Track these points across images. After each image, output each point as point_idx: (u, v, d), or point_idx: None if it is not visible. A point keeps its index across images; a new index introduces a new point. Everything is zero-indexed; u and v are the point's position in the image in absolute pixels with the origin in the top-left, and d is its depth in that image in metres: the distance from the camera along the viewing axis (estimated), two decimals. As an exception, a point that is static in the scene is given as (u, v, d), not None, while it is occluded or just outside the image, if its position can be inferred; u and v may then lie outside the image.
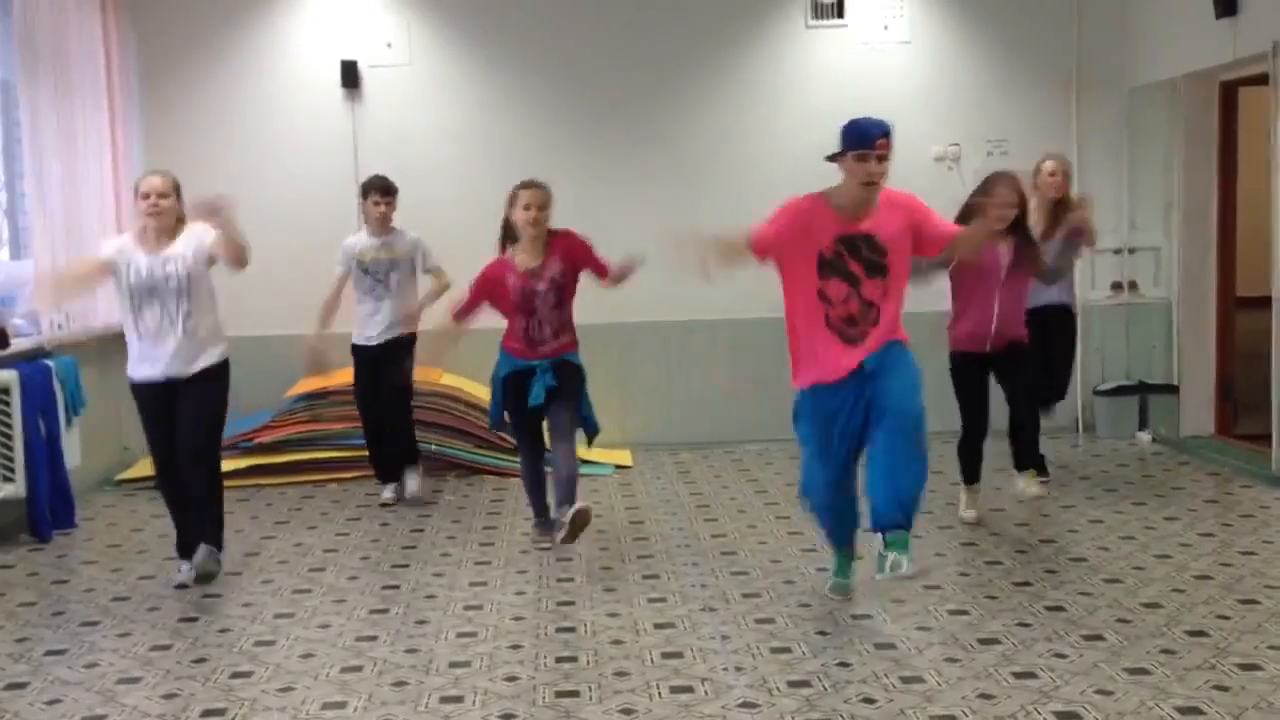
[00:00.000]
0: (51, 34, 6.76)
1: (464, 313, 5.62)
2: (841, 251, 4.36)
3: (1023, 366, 5.78)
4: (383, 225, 6.63)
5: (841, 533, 4.79)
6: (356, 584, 5.24)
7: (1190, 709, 3.66)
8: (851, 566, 4.83)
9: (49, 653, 4.46)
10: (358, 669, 4.20)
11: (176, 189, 5.15)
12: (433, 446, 7.28)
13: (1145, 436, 7.99)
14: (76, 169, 7.00)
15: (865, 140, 4.29)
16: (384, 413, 6.65)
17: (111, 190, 7.47)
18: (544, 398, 5.49)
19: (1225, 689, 3.81)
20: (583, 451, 7.74)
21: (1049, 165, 6.42)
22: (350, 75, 7.96)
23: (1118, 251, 8.30)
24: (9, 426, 5.93)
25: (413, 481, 6.74)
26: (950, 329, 5.81)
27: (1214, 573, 5.05)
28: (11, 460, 5.96)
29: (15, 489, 5.97)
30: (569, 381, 5.57)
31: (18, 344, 6.24)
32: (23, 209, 6.83)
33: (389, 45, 8.03)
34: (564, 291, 5.57)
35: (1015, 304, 5.73)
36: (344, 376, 7.58)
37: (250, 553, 5.81)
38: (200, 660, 4.33)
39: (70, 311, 6.85)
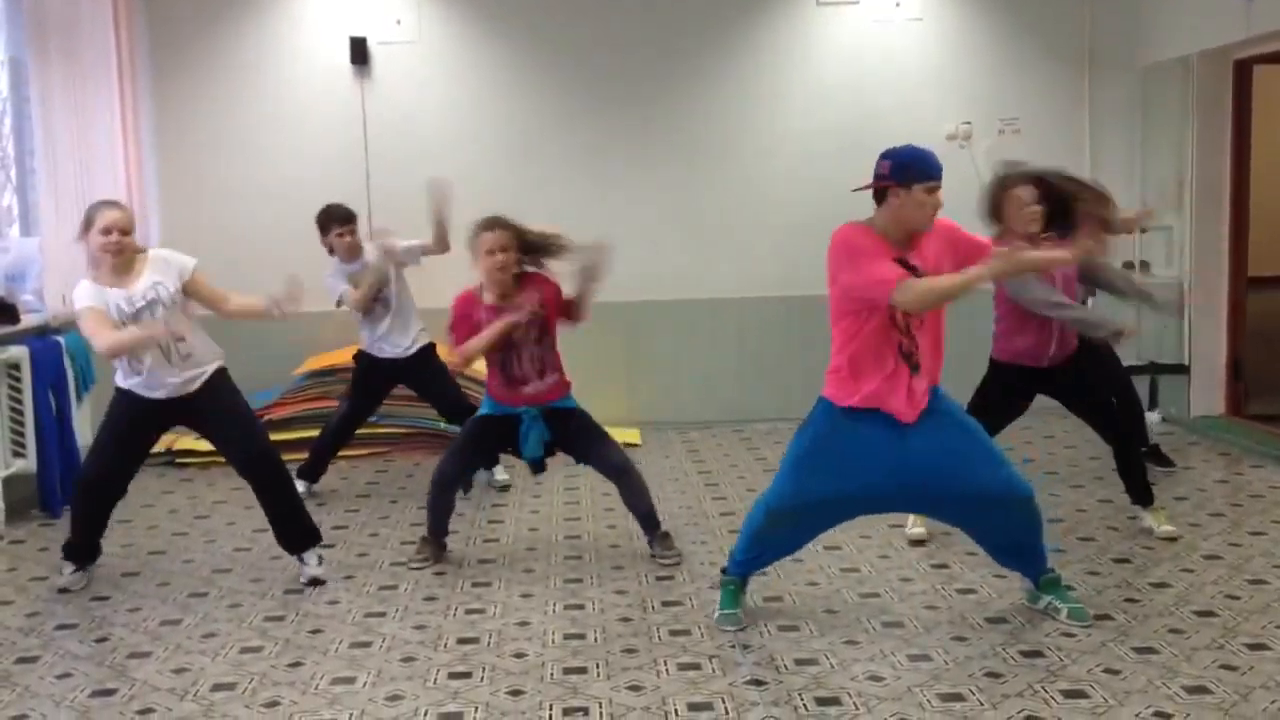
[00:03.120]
0: (62, 11, 6.75)
1: (469, 352, 5.07)
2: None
3: (1095, 379, 5.40)
4: (353, 253, 6.30)
5: (762, 564, 4.44)
6: (365, 560, 5.25)
7: (1198, 688, 3.66)
8: (742, 597, 4.42)
9: (59, 627, 4.49)
10: (366, 645, 4.22)
11: (133, 224, 4.91)
12: (441, 424, 7.28)
13: (1155, 416, 7.96)
14: (87, 146, 6.99)
15: (934, 171, 4.06)
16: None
17: (122, 168, 7.47)
18: (542, 451, 5.14)
19: (1233, 668, 3.81)
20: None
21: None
22: (359, 52, 7.93)
23: (1129, 231, 8.25)
24: (20, 402, 5.96)
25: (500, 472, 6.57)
26: (1000, 339, 5.29)
27: (1223, 553, 5.04)
28: (23, 436, 5.99)
29: (26, 465, 6.00)
30: (579, 422, 5.18)
31: (28, 320, 6.26)
32: (33, 186, 6.84)
33: (398, 22, 8.00)
34: (545, 327, 5.13)
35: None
36: (348, 355, 7.60)
37: (259, 529, 5.82)
38: (210, 635, 4.35)
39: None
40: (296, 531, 4.98)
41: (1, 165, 6.88)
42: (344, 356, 7.56)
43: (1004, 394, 5.31)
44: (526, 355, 5.08)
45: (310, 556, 4.96)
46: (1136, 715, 3.49)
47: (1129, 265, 8.28)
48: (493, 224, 5.12)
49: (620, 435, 7.67)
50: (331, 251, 6.32)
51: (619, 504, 6.10)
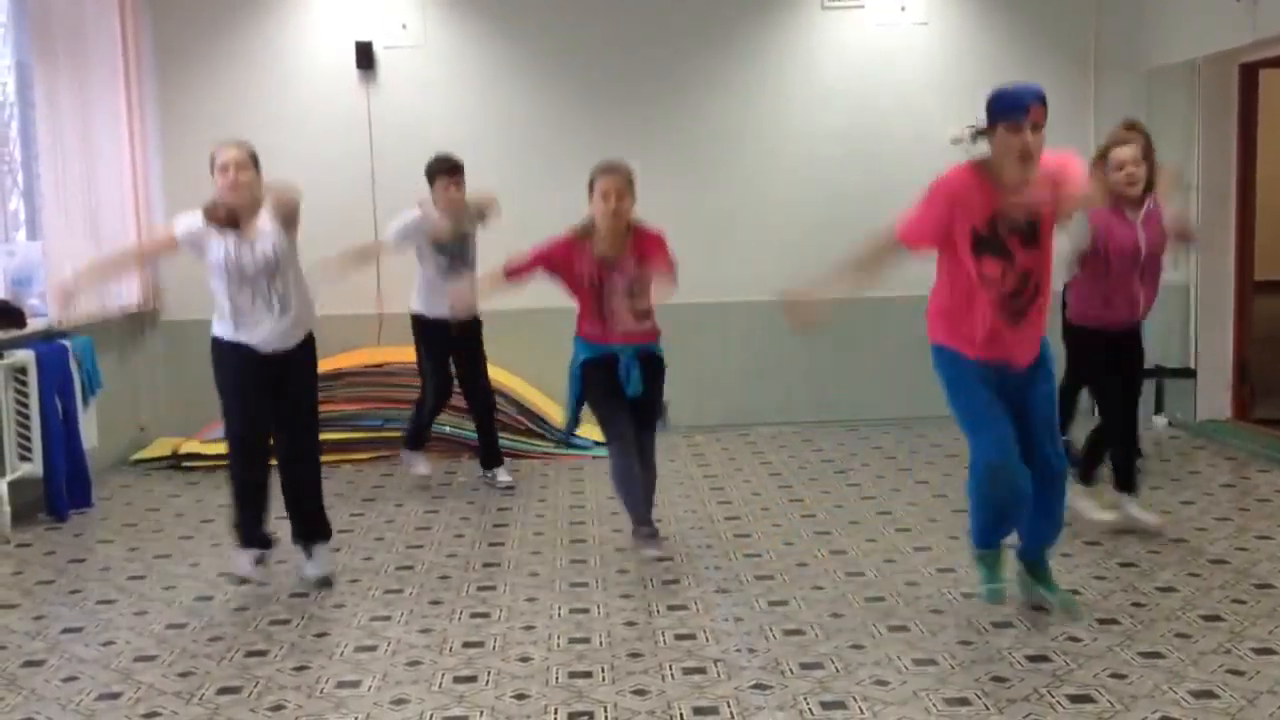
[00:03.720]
0: (68, 15, 6.77)
1: (516, 274, 5.17)
2: (996, 228, 3.98)
3: (1139, 356, 5.32)
4: (454, 207, 6.35)
5: (1005, 524, 4.31)
6: (371, 565, 5.25)
7: (1204, 693, 3.65)
8: (1001, 567, 4.38)
9: (66, 630, 4.49)
10: (372, 649, 4.22)
11: (257, 161, 4.85)
12: (446, 429, 7.29)
13: (1161, 420, 7.96)
14: (92, 150, 7.01)
15: (1017, 108, 3.87)
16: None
17: (128, 171, 7.50)
18: (643, 389, 5.07)
19: (1240, 673, 3.80)
20: (597, 433, 7.76)
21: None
22: (365, 56, 7.95)
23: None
24: (26, 406, 5.97)
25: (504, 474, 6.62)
26: (1080, 303, 5.21)
27: (1230, 557, 5.03)
28: (29, 440, 5.99)
29: (33, 468, 6.01)
30: (654, 385, 5.14)
31: (34, 324, 6.28)
32: (39, 190, 6.85)
33: (404, 26, 8.02)
34: (642, 284, 5.05)
35: (1155, 283, 5.17)
36: (357, 358, 7.62)
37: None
38: (216, 639, 4.36)
39: (87, 294, 6.86)
40: (310, 522, 5.04)
41: (8, 169, 6.90)
42: (351, 361, 7.59)
43: (1093, 359, 5.25)
44: (623, 304, 5.05)
45: (321, 550, 5.03)
46: (1143, 720, 3.49)
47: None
48: (612, 168, 5.09)
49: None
50: (436, 204, 6.37)
51: (623, 509, 6.11)
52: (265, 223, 4.78)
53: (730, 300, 8.19)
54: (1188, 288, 8.18)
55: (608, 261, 5.05)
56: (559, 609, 4.59)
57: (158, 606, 4.75)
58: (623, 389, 5.09)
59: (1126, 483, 5.38)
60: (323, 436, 7.19)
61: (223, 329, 4.84)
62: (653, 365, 5.20)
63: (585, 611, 4.55)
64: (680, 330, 8.21)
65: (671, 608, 4.57)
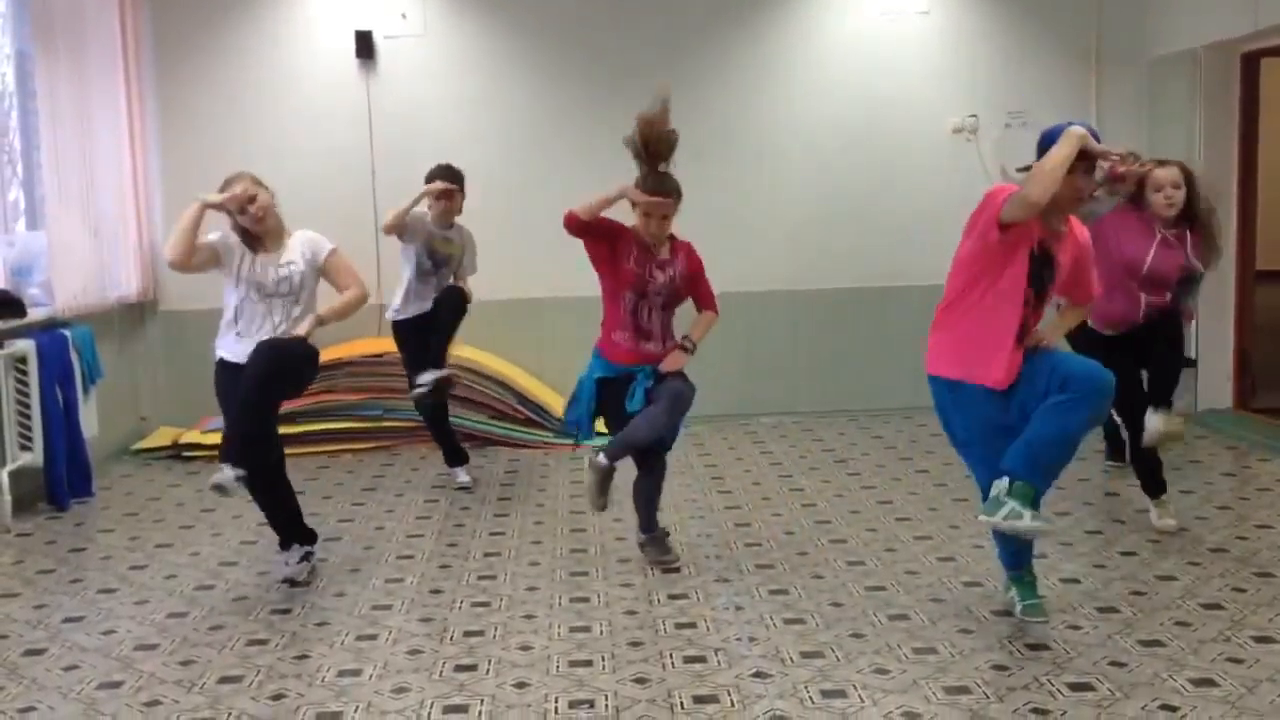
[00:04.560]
0: (67, 4, 6.76)
1: (585, 219, 4.80)
2: (1034, 254, 3.92)
3: (1172, 342, 5.28)
4: (446, 217, 6.23)
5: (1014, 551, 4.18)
6: (371, 554, 5.26)
7: (1204, 681, 3.65)
8: (1031, 581, 4.18)
9: (67, 619, 4.50)
10: (373, 637, 4.22)
11: (260, 183, 4.85)
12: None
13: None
14: (92, 140, 7.01)
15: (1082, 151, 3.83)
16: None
17: (128, 161, 7.49)
18: (643, 402, 4.90)
19: (1240, 661, 3.80)
20: (597, 423, 7.76)
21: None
22: (365, 46, 7.93)
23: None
24: (26, 396, 5.97)
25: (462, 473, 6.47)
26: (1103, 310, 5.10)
27: (1230, 546, 5.03)
28: (29, 429, 5.99)
29: (33, 458, 6.01)
30: (676, 384, 4.94)
31: (34, 314, 6.27)
32: (39, 180, 6.85)
33: (404, 16, 8.00)
34: (676, 296, 4.98)
35: (1162, 292, 5.15)
36: (360, 348, 7.62)
37: (265, 522, 5.83)
38: (216, 628, 4.36)
39: (87, 282, 6.87)
40: (288, 526, 4.95)
41: (8, 160, 6.89)
42: (351, 350, 7.58)
43: (1090, 351, 5.03)
44: (656, 316, 4.92)
45: (293, 555, 4.90)
46: (1143, 708, 3.48)
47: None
48: (663, 187, 4.95)
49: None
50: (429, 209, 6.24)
51: (625, 498, 6.11)
52: (294, 251, 4.84)
53: (731, 291, 8.08)
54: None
55: (653, 256, 4.91)
56: (559, 598, 4.59)
57: (158, 595, 4.75)
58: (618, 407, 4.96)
59: (1148, 487, 5.35)
60: (324, 426, 7.29)
61: (222, 345, 4.83)
62: (676, 381, 5.00)
63: (585, 600, 4.56)
64: (680, 321, 8.23)
65: (672, 596, 4.57)
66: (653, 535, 5.04)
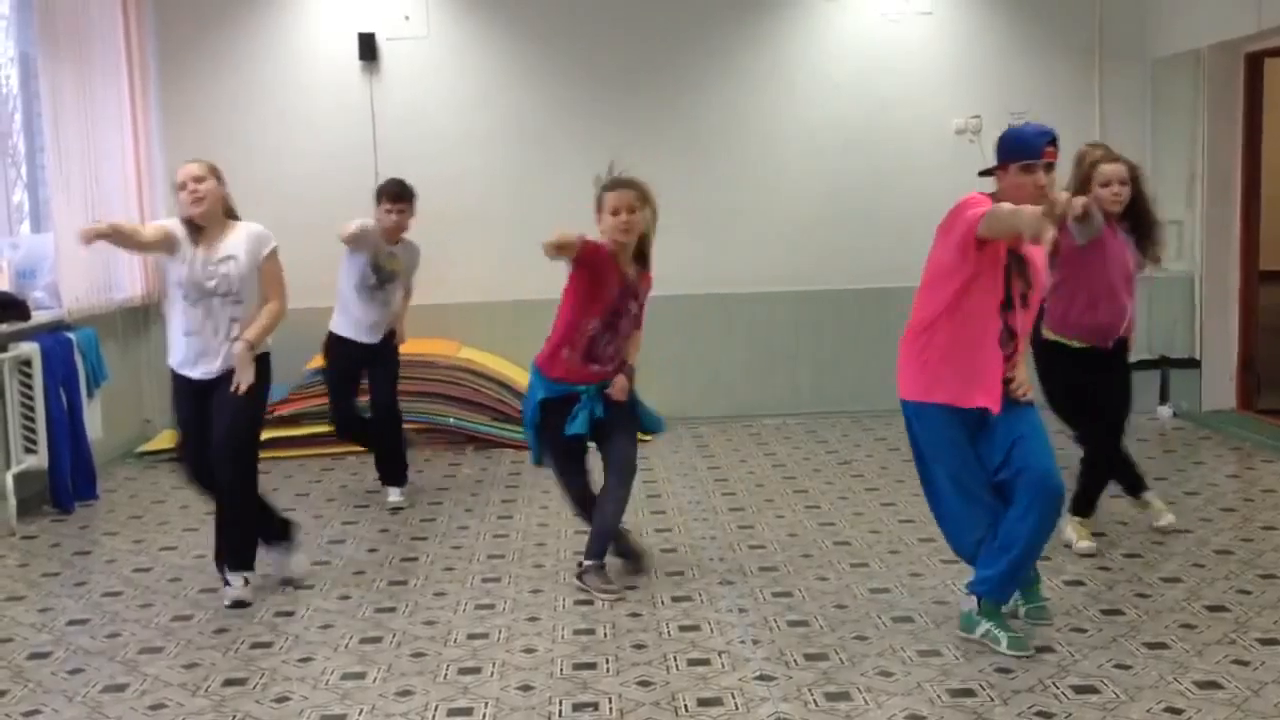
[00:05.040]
0: (71, 8, 6.77)
1: (587, 249, 4.54)
2: (1010, 267, 3.89)
3: (1124, 374, 5.09)
4: (394, 234, 6.08)
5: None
6: (375, 556, 5.26)
7: (1209, 683, 3.65)
8: (1037, 586, 4.24)
9: (71, 622, 4.50)
10: (376, 640, 4.22)
11: (215, 172, 4.68)
12: (450, 420, 7.30)
13: (1166, 411, 7.95)
14: (96, 142, 7.02)
15: (1032, 149, 3.87)
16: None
17: (132, 163, 7.50)
18: (588, 429, 4.70)
19: (1245, 663, 3.80)
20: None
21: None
22: (368, 48, 7.94)
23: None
24: (31, 398, 5.97)
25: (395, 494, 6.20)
26: (1063, 316, 4.95)
27: (1235, 548, 5.02)
28: (34, 432, 6.00)
29: (38, 460, 6.02)
30: (628, 408, 4.84)
31: (39, 316, 6.28)
32: (43, 182, 6.86)
33: (407, 18, 8.01)
34: (636, 322, 4.82)
35: (1131, 297, 5.00)
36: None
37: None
38: (221, 630, 4.36)
39: (92, 284, 6.88)
40: (232, 548, 4.71)
41: (12, 162, 6.90)
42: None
43: (1072, 381, 5.01)
44: (612, 344, 4.71)
45: (236, 579, 4.66)
46: (1148, 711, 3.48)
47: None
48: (619, 183, 4.67)
49: (629, 430, 7.69)
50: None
51: (630, 501, 6.11)
52: (236, 245, 4.63)
53: (734, 292, 8.18)
54: (1192, 278, 8.17)
55: (629, 282, 4.69)
56: (563, 600, 4.59)
57: (163, 599, 4.76)
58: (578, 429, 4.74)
59: (1080, 504, 5.13)
60: (327, 429, 7.25)
61: (172, 355, 4.72)
62: (627, 403, 4.85)
63: (589, 603, 4.55)
64: (684, 322, 8.25)
65: (675, 599, 4.57)
66: (596, 563, 4.70)
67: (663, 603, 4.53)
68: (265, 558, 4.88)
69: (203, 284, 4.58)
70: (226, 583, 4.69)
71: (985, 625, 3.99)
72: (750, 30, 8.13)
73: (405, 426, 6.51)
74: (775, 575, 4.82)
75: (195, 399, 4.67)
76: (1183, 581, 4.61)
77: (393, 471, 6.22)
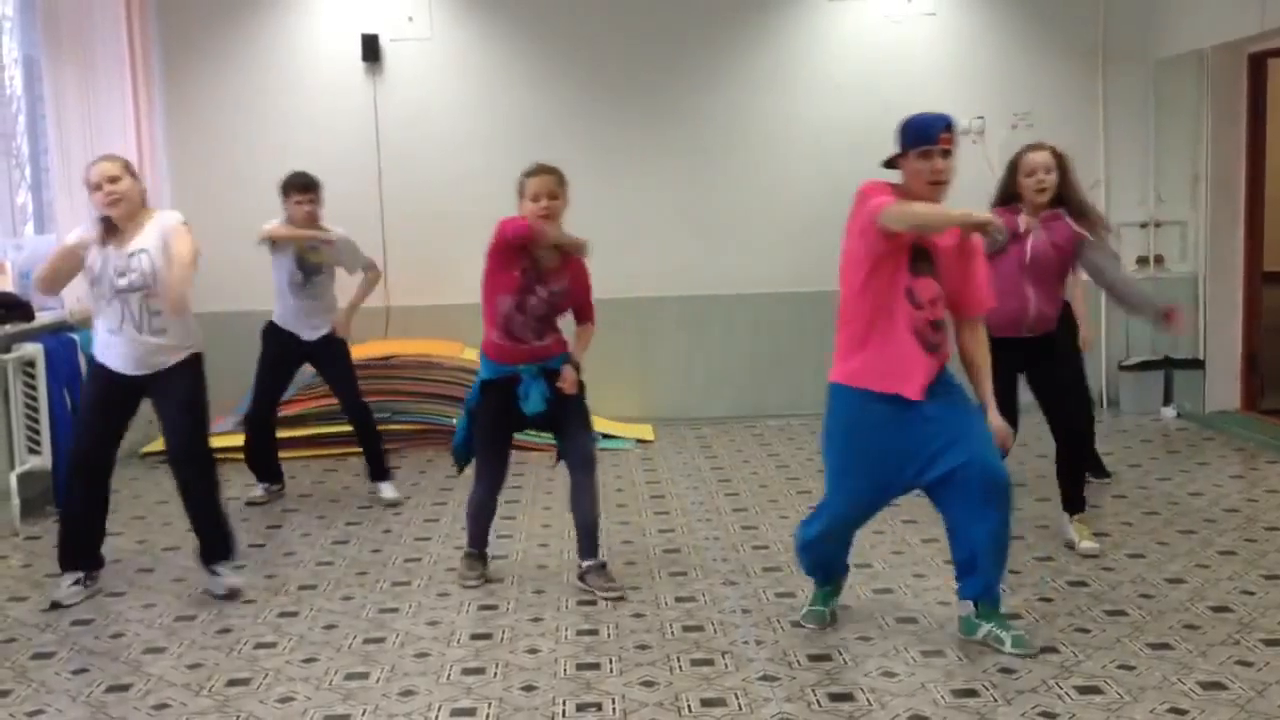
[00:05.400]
0: (75, 10, 6.78)
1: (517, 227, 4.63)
2: (917, 256, 3.91)
3: (1063, 362, 5.06)
4: (309, 224, 6.09)
5: (829, 576, 4.34)
6: (379, 557, 5.26)
7: (1213, 684, 3.65)
8: (833, 597, 4.35)
9: (75, 622, 4.50)
10: (380, 640, 4.22)
11: (130, 170, 4.63)
12: (454, 420, 7.29)
13: (1170, 412, 7.95)
14: (100, 144, 7.01)
15: (928, 135, 3.89)
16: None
17: (136, 166, 7.49)
18: (544, 406, 4.72)
19: (1249, 664, 3.79)
20: (603, 425, 7.77)
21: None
22: (371, 49, 7.95)
23: (1144, 226, 8.25)
24: (34, 399, 5.98)
25: (388, 490, 6.29)
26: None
27: (1238, 548, 5.02)
28: (38, 432, 6.00)
29: (41, 461, 6.02)
30: (573, 401, 4.78)
31: (42, 317, 6.28)
32: (47, 184, 6.86)
33: (410, 19, 8.02)
34: (557, 308, 4.79)
35: (1050, 291, 4.98)
36: (366, 351, 7.63)
37: (273, 525, 5.85)
38: (225, 631, 4.37)
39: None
40: (210, 542, 4.79)
41: (16, 163, 6.91)
42: (358, 353, 7.58)
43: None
44: (531, 319, 4.69)
45: (223, 568, 4.78)
46: (1151, 711, 3.48)
47: (1143, 261, 8.26)
48: (541, 169, 4.73)
49: (633, 431, 7.71)
50: (289, 220, 6.13)
51: (632, 500, 6.13)
52: (146, 238, 4.56)
53: (737, 293, 8.18)
54: (1196, 279, 8.17)
55: (540, 269, 4.70)
56: (566, 601, 4.59)
57: (166, 599, 4.76)
58: (517, 417, 4.77)
59: (1071, 503, 5.12)
60: (332, 429, 7.28)
61: (96, 347, 4.73)
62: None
63: (592, 604, 4.55)
64: (687, 322, 8.26)
65: (679, 599, 4.57)
66: (595, 562, 4.74)
67: (666, 603, 4.53)
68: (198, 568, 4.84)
69: (115, 281, 4.53)
70: (214, 573, 4.76)
71: (986, 627, 4.00)
72: (753, 31, 8.13)
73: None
74: (779, 576, 4.82)
75: (112, 391, 4.66)
76: (1187, 582, 4.60)
77: (379, 468, 6.32)
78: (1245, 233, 7.91)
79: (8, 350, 5.91)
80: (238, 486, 6.55)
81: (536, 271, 4.70)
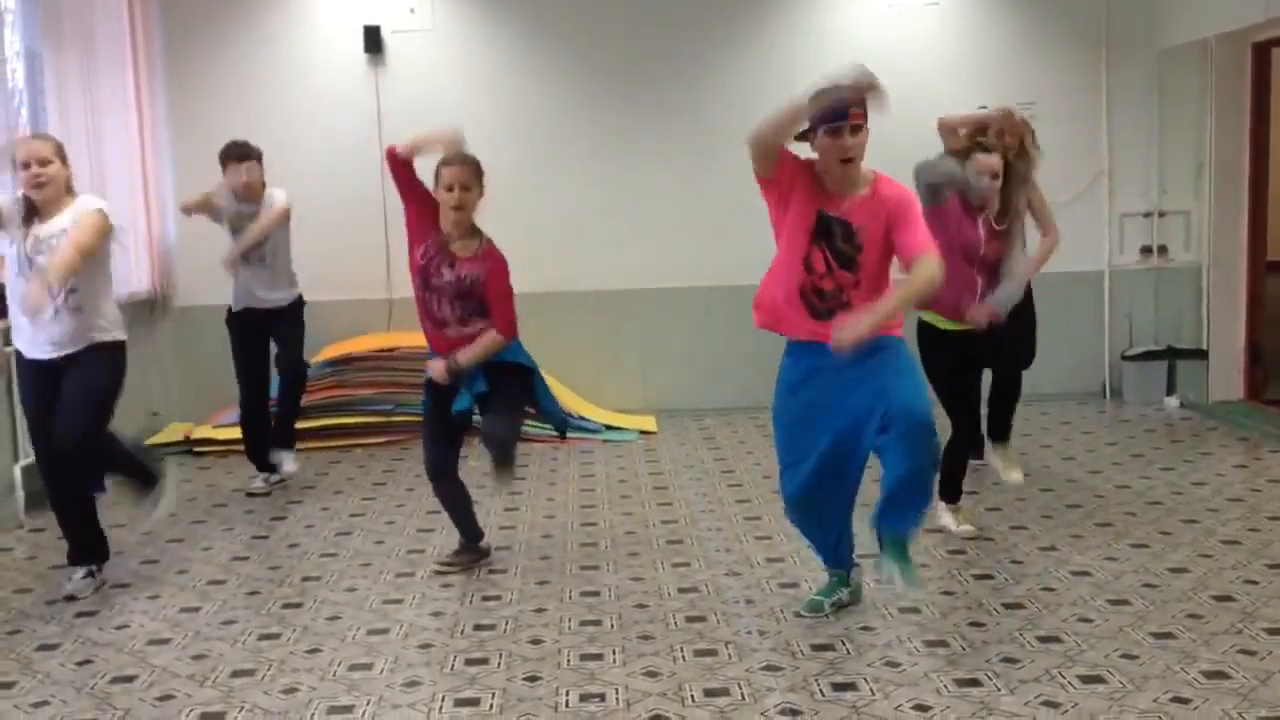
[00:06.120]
0: (76, 2, 6.77)
1: (400, 161, 4.73)
2: (821, 228, 3.95)
3: (1012, 343, 5.30)
4: (250, 193, 6.14)
5: (828, 557, 4.31)
6: (382, 548, 5.27)
7: (1216, 673, 3.65)
8: (837, 590, 4.29)
9: (80, 614, 4.51)
10: (384, 631, 4.23)
11: (61, 154, 4.55)
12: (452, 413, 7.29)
13: (1173, 402, 7.94)
14: (102, 137, 7.03)
15: (834, 114, 3.85)
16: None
17: (137, 158, 7.50)
18: (468, 403, 4.66)
19: (1252, 653, 3.79)
20: (606, 416, 7.78)
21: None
22: (373, 41, 7.94)
23: (1147, 215, 8.23)
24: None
25: (288, 462, 6.37)
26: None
27: (1242, 538, 5.02)
28: (41, 425, 5.99)
29: (45, 454, 6.01)
30: (507, 387, 4.70)
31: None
32: (49, 177, 6.85)
33: (412, 10, 8.01)
34: (470, 296, 4.66)
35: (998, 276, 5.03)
36: (369, 343, 7.64)
37: (277, 517, 5.86)
38: (229, 622, 4.38)
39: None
40: (77, 547, 4.75)
41: (18, 156, 6.89)
42: (361, 345, 7.61)
43: (939, 362, 5.05)
44: (448, 306, 4.65)
45: (77, 572, 4.71)
46: (1154, 700, 3.48)
47: (1147, 251, 8.25)
48: (457, 159, 4.66)
49: (636, 422, 7.72)
50: (231, 189, 6.19)
51: (635, 491, 6.14)
52: (65, 220, 4.50)
53: (740, 284, 8.11)
54: (1200, 269, 8.16)
55: (448, 251, 4.65)
56: (570, 592, 4.60)
57: (171, 590, 4.77)
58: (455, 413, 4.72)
59: (996, 431, 5.57)
60: (335, 421, 7.29)
61: (15, 337, 4.65)
62: (503, 372, 4.71)
63: (596, 594, 4.56)
64: (690, 313, 8.25)
65: (682, 590, 4.58)
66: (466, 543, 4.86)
67: (669, 594, 4.54)
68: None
69: (33, 260, 4.46)
70: (69, 578, 4.68)
71: (885, 565, 3.93)
72: (756, 21, 8.11)
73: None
74: (781, 566, 4.82)
75: (41, 381, 4.62)
76: (1190, 571, 4.60)
77: (285, 436, 6.36)
78: (1249, 223, 7.90)
79: (8, 342, 5.91)
80: (240, 478, 6.56)
81: (443, 253, 4.66)
